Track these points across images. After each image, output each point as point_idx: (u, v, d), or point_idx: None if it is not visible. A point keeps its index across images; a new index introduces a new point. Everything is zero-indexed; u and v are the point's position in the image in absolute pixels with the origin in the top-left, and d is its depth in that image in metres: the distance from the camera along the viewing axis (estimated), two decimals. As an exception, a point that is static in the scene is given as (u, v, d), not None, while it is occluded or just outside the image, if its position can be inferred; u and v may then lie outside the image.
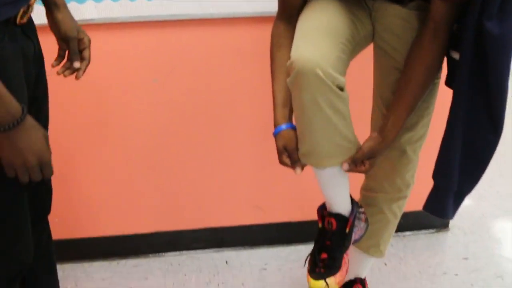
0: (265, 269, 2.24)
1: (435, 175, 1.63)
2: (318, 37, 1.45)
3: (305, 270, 2.21)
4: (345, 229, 1.63)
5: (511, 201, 2.80)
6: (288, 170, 2.12)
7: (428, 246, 2.42)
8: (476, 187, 2.91)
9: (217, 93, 2.13)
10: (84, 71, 1.47)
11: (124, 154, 2.22)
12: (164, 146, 2.22)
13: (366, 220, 1.75)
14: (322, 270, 1.60)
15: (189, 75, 2.09)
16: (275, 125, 1.54)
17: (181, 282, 2.20)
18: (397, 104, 1.53)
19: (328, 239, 1.62)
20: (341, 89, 1.42)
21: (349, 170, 1.54)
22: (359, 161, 1.52)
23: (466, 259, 2.32)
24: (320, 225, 1.65)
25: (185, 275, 2.25)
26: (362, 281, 1.91)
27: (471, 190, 1.67)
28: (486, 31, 1.33)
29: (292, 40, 1.49)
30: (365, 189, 1.82)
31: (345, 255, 1.66)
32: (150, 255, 2.38)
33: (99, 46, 1.61)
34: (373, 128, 1.69)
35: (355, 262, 1.86)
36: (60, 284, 2.15)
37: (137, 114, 2.16)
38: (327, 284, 1.58)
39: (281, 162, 1.56)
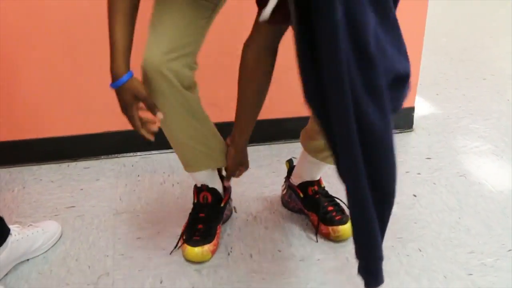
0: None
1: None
2: (166, 29, 1.47)
3: (262, 170, 2.15)
4: (221, 203, 1.79)
5: (476, 103, 2.75)
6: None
7: (391, 147, 2.35)
8: (442, 91, 2.89)
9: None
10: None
11: (70, 51, 2.08)
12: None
13: (232, 210, 1.94)
14: (198, 238, 1.72)
15: None
16: (118, 76, 1.44)
17: (134, 183, 2.11)
18: (239, 119, 1.62)
19: (202, 211, 1.77)
20: (192, 87, 1.54)
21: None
22: (233, 174, 1.77)
23: (429, 158, 2.27)
24: (195, 200, 1.79)
25: (138, 175, 2.15)
26: (318, 182, 1.86)
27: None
28: None
29: None
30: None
31: (219, 227, 1.79)
32: (102, 156, 2.27)
33: None
34: None
35: (311, 167, 1.83)
36: (7, 187, 2.07)
37: (82, 8, 1.99)
38: (204, 250, 1.71)
39: (131, 115, 1.47)
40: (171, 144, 1.70)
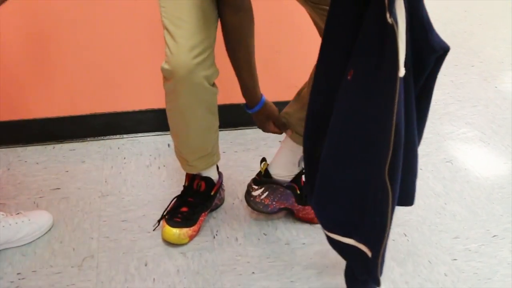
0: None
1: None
2: (190, 21, 1.46)
3: (249, 154, 2.13)
4: (211, 191, 1.78)
5: (464, 90, 2.75)
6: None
7: (378, 132, 2.35)
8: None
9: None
10: None
11: (56, 31, 2.04)
12: (98, 18, 2.04)
13: (222, 199, 1.91)
14: (178, 220, 1.72)
15: None
16: (253, 104, 1.67)
17: (120, 165, 2.09)
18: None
19: (191, 196, 1.77)
20: (214, 83, 1.58)
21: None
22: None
23: (416, 144, 2.27)
24: (186, 183, 1.79)
25: (124, 158, 2.14)
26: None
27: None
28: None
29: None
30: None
31: (203, 214, 1.78)
32: (88, 138, 2.25)
33: None
34: None
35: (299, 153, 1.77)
36: (-9, 169, 2.04)
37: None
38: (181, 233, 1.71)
39: (267, 131, 1.75)
40: (178, 138, 1.69)
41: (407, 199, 1.36)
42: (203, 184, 1.76)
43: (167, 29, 1.47)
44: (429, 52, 1.18)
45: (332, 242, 1.39)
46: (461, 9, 3.96)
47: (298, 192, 1.77)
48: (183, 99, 1.53)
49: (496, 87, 2.79)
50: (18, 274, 1.60)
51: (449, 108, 2.57)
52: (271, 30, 2.19)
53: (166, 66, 1.47)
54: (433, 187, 2.01)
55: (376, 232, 1.24)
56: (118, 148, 2.20)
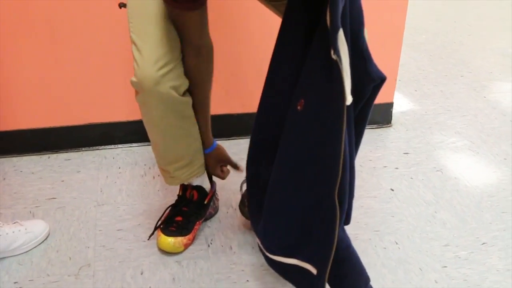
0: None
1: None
2: (155, 35, 1.48)
3: (243, 163, 2.16)
4: (204, 200, 1.82)
5: (453, 100, 2.79)
6: (229, 63, 2.04)
7: (370, 141, 2.39)
8: (421, 87, 2.93)
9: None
10: None
11: (52, 42, 2.07)
12: (94, 33, 2.07)
13: (216, 209, 1.95)
14: (173, 228, 1.75)
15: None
16: (208, 146, 1.75)
17: (115, 175, 2.12)
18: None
19: (185, 205, 1.80)
20: (185, 92, 1.58)
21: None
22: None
23: (407, 153, 2.31)
24: (180, 193, 1.82)
25: (119, 168, 2.16)
26: None
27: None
28: None
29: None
30: None
31: (198, 223, 1.81)
32: (83, 148, 2.27)
33: None
34: None
35: None
36: (-14, 177, 2.05)
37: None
38: (176, 241, 1.74)
39: (216, 174, 1.82)
40: (157, 150, 1.70)
41: (346, 218, 1.43)
42: (195, 193, 1.79)
43: (134, 44, 1.49)
44: (367, 81, 1.25)
45: (272, 263, 1.43)
46: (450, 20, 4.02)
47: None
48: (154, 111, 1.54)
49: (485, 97, 2.83)
50: (15, 283, 1.62)
51: (439, 118, 2.61)
52: (258, 42, 2.23)
53: (134, 79, 1.49)
54: (423, 195, 2.04)
55: (323, 251, 1.29)
56: (113, 158, 2.22)
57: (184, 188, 1.81)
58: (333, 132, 1.19)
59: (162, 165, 1.72)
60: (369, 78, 1.25)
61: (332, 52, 1.10)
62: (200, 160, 1.75)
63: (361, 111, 1.30)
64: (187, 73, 1.56)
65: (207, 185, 1.83)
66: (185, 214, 1.78)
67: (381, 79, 1.25)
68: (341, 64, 1.10)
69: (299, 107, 1.26)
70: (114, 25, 2.07)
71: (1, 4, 1.96)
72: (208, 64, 1.62)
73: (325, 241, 1.28)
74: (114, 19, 2.05)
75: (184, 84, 1.56)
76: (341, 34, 1.08)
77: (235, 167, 1.83)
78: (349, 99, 1.12)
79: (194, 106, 1.63)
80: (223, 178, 1.83)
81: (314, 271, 1.33)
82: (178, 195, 1.82)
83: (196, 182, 1.80)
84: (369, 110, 1.32)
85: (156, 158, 1.73)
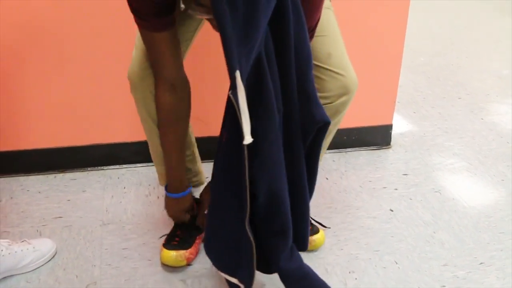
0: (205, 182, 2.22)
1: None
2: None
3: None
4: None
5: (451, 122, 2.84)
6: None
7: (369, 162, 2.44)
8: (419, 109, 2.98)
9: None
10: None
11: (59, 64, 2.12)
12: (100, 54, 2.12)
13: None
14: (175, 243, 1.79)
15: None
16: (179, 190, 1.73)
17: (120, 194, 2.16)
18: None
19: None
20: None
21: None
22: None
23: (406, 175, 2.36)
24: None
25: (124, 187, 2.20)
26: None
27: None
28: None
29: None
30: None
31: (198, 238, 1.85)
32: (89, 168, 2.32)
33: None
34: None
35: None
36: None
37: (72, 20, 2.05)
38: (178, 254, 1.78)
39: (182, 220, 1.80)
40: (150, 149, 1.78)
41: (303, 245, 1.58)
42: (194, 205, 1.83)
43: (135, 44, 1.61)
44: (312, 123, 1.37)
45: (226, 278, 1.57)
46: (448, 41, 4.08)
47: None
48: (138, 108, 1.66)
49: (482, 118, 2.89)
50: (23, 300, 1.66)
51: (437, 139, 2.66)
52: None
53: (127, 74, 1.62)
54: (422, 216, 2.08)
55: (248, 271, 1.46)
56: (118, 178, 2.27)
57: None
58: (240, 165, 1.30)
59: (155, 165, 1.81)
60: (314, 120, 1.36)
61: (229, 92, 1.16)
62: (194, 169, 1.83)
63: (310, 148, 1.42)
64: (159, 111, 1.61)
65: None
66: (186, 228, 1.83)
67: (324, 122, 1.37)
68: (238, 104, 1.16)
69: (224, 139, 1.40)
70: (120, 49, 2.13)
71: (11, 27, 2.02)
72: (183, 103, 1.63)
73: (248, 265, 1.46)
74: (120, 42, 2.11)
75: None
76: (237, 75, 1.13)
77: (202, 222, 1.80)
78: (247, 139, 1.19)
79: (170, 147, 1.67)
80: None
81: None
82: None
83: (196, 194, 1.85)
84: (317, 149, 1.44)
85: (153, 159, 1.82)
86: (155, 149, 1.76)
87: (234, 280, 1.52)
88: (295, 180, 1.44)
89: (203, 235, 1.85)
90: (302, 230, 1.54)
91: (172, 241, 1.80)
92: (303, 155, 1.42)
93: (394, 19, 2.31)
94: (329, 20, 1.61)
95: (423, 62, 3.66)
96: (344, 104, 1.65)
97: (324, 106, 1.60)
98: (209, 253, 1.55)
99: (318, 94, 1.53)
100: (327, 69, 1.60)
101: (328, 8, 1.61)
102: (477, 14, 4.87)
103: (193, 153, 1.80)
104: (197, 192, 1.88)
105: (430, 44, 4.03)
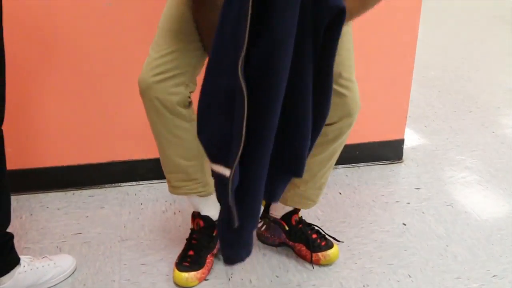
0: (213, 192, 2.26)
1: None
2: (163, 47, 1.59)
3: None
4: (213, 232, 1.87)
5: (462, 135, 2.87)
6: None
7: (382, 177, 2.47)
8: (430, 123, 3.01)
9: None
10: None
11: (77, 83, 2.18)
12: (117, 73, 2.18)
13: None
14: (187, 264, 1.82)
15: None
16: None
17: (137, 211, 2.20)
18: None
19: (194, 238, 1.87)
20: (184, 104, 1.62)
21: None
22: None
23: (418, 188, 2.38)
24: (191, 226, 1.90)
25: (141, 204, 2.25)
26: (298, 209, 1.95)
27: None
28: None
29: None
30: None
31: (209, 256, 1.87)
32: (106, 185, 2.37)
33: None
34: None
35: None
36: (15, 215, 2.15)
37: (90, 39, 2.11)
38: (189, 276, 1.80)
39: None
40: (160, 154, 1.78)
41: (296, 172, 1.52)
42: (200, 222, 1.86)
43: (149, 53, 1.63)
44: (324, 8, 1.27)
45: (215, 179, 1.49)
46: (458, 55, 4.11)
47: (287, 228, 1.91)
48: (148, 114, 1.66)
49: (493, 132, 2.91)
50: (45, 315, 1.70)
51: (449, 153, 2.69)
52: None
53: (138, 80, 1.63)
54: (435, 229, 2.11)
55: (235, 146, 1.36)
56: (135, 194, 2.31)
57: (193, 217, 1.89)
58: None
59: (164, 172, 1.79)
60: (327, 4, 1.26)
61: None
62: (202, 179, 1.78)
63: (323, 52, 1.32)
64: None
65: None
66: (196, 248, 1.86)
67: (339, 9, 1.25)
68: None
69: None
70: (137, 66, 2.18)
71: (30, 48, 2.08)
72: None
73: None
74: (137, 60, 2.16)
75: (182, 94, 1.61)
76: None
77: None
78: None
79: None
80: None
81: (227, 172, 1.39)
82: (191, 229, 1.91)
83: (204, 210, 1.86)
84: (332, 54, 1.33)
85: (162, 167, 1.80)
86: (167, 157, 1.75)
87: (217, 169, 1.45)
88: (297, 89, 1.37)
89: (215, 251, 1.90)
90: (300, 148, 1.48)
91: (184, 261, 1.83)
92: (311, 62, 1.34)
93: (405, 34, 2.35)
94: (347, 42, 1.63)
95: (434, 76, 3.69)
96: (348, 126, 1.69)
97: (327, 126, 1.65)
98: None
99: None
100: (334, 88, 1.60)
101: (347, 32, 1.63)
102: (488, 27, 4.90)
103: (201, 164, 1.80)
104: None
105: (441, 58, 4.06)
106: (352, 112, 1.66)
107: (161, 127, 1.65)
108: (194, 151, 1.71)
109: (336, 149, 1.76)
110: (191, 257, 1.83)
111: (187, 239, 1.90)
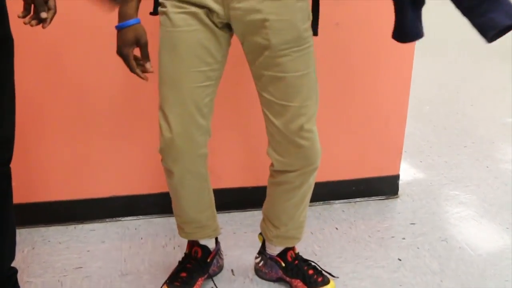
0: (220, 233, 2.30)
1: None
2: (184, 100, 1.62)
3: (257, 233, 2.28)
4: (207, 259, 1.94)
5: (457, 170, 2.92)
6: (242, 135, 2.15)
7: (377, 212, 2.51)
8: (425, 158, 3.06)
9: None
10: (51, 21, 1.43)
11: (80, 118, 2.24)
12: (121, 108, 2.24)
13: (221, 267, 2.07)
14: (178, 284, 1.87)
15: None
16: (126, 17, 1.56)
17: (137, 245, 2.24)
18: None
19: (189, 263, 1.93)
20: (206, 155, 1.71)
21: None
22: None
23: (413, 224, 2.43)
24: (187, 251, 1.96)
25: (141, 238, 2.29)
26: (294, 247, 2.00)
27: None
28: None
29: None
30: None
31: (200, 279, 1.93)
32: (107, 219, 2.41)
33: None
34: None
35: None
36: (17, 248, 2.15)
37: (95, 74, 2.17)
38: None
39: (127, 54, 1.59)
40: (175, 209, 1.87)
41: None
42: (199, 251, 1.92)
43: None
44: None
45: None
46: (453, 90, 4.19)
47: (283, 265, 1.95)
48: (171, 183, 1.75)
49: (487, 166, 2.96)
50: None
51: (443, 188, 2.74)
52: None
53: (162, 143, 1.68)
54: (429, 265, 2.14)
55: None
56: (135, 229, 2.35)
57: (191, 245, 1.95)
58: None
59: (177, 222, 1.90)
60: None
61: None
62: (214, 225, 1.91)
63: None
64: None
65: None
66: (189, 270, 1.91)
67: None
68: None
69: None
70: (138, 102, 2.24)
71: (30, 79, 2.13)
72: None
73: None
74: (138, 95, 2.22)
75: (206, 146, 1.70)
76: None
77: (146, 57, 1.62)
78: None
79: None
80: (144, 78, 1.64)
81: None
82: (185, 253, 1.96)
83: (202, 241, 1.94)
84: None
85: (175, 216, 1.89)
86: (189, 211, 1.84)
87: None
88: None
89: (206, 276, 1.95)
90: None
91: (175, 281, 1.88)
92: None
93: (399, 70, 2.41)
94: (306, 85, 1.63)
95: (429, 111, 3.76)
96: (311, 171, 1.73)
97: (291, 173, 1.71)
98: None
99: (280, 159, 1.67)
100: (293, 139, 1.65)
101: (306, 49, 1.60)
102: (482, 62, 4.99)
103: (212, 211, 1.89)
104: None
105: (436, 92, 4.13)
106: (313, 160, 1.71)
107: (181, 189, 1.75)
108: (208, 202, 1.85)
109: (306, 192, 1.81)
110: (183, 278, 1.89)
111: (180, 261, 1.95)
